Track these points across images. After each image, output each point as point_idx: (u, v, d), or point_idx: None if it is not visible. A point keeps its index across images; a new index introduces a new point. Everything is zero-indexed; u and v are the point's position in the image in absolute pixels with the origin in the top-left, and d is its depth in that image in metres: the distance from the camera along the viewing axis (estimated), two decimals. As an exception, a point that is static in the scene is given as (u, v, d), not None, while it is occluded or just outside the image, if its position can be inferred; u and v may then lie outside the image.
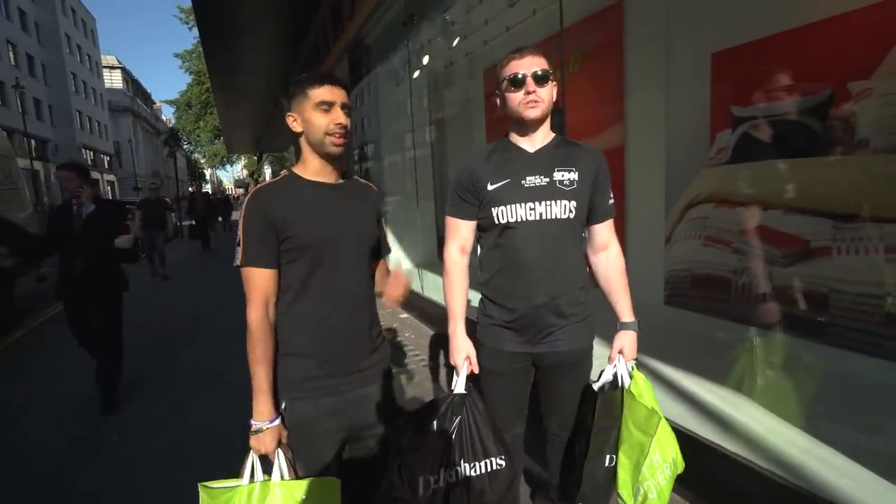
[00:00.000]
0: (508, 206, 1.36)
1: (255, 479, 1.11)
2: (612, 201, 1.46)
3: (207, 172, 57.05)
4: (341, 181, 1.28)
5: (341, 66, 6.63)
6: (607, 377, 1.43)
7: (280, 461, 1.13)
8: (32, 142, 25.10)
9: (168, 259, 8.41)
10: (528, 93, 1.33)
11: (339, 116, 1.18)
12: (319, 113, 1.17)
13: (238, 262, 1.15)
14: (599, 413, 1.38)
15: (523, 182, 1.36)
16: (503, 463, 1.33)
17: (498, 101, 1.43)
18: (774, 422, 1.93)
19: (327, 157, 1.22)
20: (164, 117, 59.26)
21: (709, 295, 2.45)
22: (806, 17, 1.88)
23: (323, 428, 1.22)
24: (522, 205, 1.35)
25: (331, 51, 6.63)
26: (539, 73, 1.32)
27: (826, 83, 1.85)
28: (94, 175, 36.67)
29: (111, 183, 38.37)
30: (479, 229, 1.47)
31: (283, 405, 1.20)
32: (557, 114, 3.16)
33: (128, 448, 2.61)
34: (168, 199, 9.31)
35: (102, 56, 41.62)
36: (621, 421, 1.35)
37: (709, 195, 2.41)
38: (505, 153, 1.42)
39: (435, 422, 1.31)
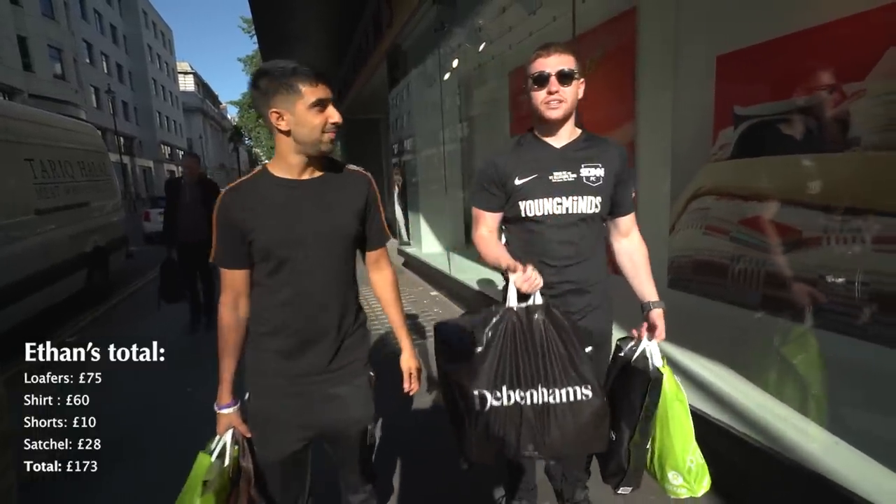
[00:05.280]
0: (536, 201, 1.28)
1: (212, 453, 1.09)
2: (633, 195, 1.39)
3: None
4: (319, 174, 1.09)
5: (381, 69, 6.72)
6: (636, 356, 1.27)
7: (227, 443, 1.09)
8: (121, 139, 26.62)
9: None
10: (551, 92, 1.21)
11: (335, 115, 1.03)
12: (314, 112, 1.00)
13: (211, 259, 1.10)
14: (649, 398, 1.20)
15: (550, 177, 1.27)
16: (588, 394, 1.11)
17: (526, 97, 1.33)
18: (762, 396, 1.95)
19: (315, 155, 1.05)
20: (229, 116, 61.27)
21: (708, 279, 2.45)
22: (806, 22, 1.83)
23: (283, 424, 1.11)
24: (550, 199, 1.28)
25: (372, 55, 6.72)
26: (564, 71, 1.20)
27: (823, 84, 1.81)
28: (171, 167, 38.59)
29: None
30: (505, 221, 1.38)
31: (246, 395, 1.12)
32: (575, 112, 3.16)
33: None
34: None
35: (177, 63, 43.28)
36: (667, 402, 1.20)
37: (710, 188, 2.39)
38: (532, 148, 1.32)
39: (486, 333, 1.12)
